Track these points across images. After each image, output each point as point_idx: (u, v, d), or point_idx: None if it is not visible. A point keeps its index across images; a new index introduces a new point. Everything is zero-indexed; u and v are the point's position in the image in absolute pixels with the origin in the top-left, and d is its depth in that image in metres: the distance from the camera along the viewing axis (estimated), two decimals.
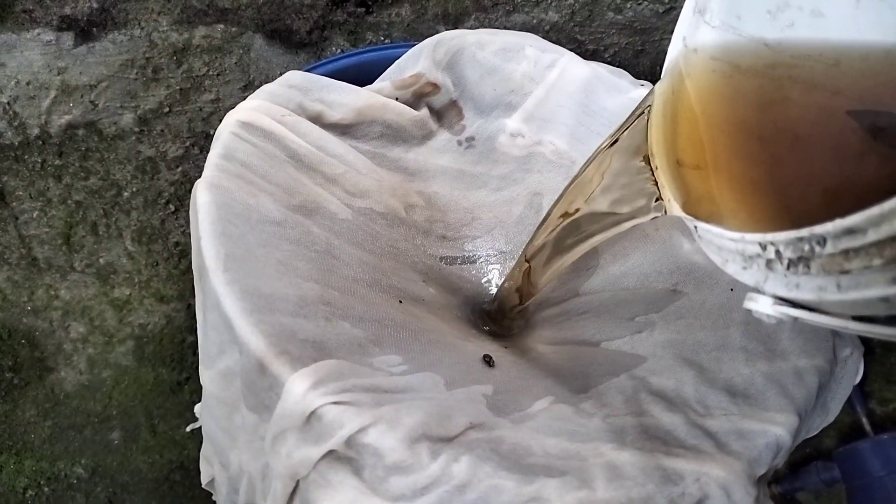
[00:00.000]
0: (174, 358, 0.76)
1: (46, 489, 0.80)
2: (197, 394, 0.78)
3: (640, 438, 0.35)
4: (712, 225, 0.32)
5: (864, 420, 0.70)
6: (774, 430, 0.35)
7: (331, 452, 0.32)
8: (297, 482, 0.35)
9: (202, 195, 0.40)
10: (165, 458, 0.80)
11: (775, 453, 0.35)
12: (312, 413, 0.33)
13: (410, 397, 0.35)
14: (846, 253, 0.23)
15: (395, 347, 0.41)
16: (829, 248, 0.24)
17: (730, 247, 0.30)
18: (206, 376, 0.41)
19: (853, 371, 0.41)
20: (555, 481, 0.31)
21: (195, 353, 0.76)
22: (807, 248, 0.25)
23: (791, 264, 0.26)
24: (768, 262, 0.27)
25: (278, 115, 0.46)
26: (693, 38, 0.42)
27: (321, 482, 0.33)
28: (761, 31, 0.42)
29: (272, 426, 0.34)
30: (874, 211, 0.21)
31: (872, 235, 0.22)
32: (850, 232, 0.23)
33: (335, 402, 0.32)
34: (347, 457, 0.32)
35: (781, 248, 0.27)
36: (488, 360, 0.44)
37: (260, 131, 0.45)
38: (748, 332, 0.41)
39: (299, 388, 0.33)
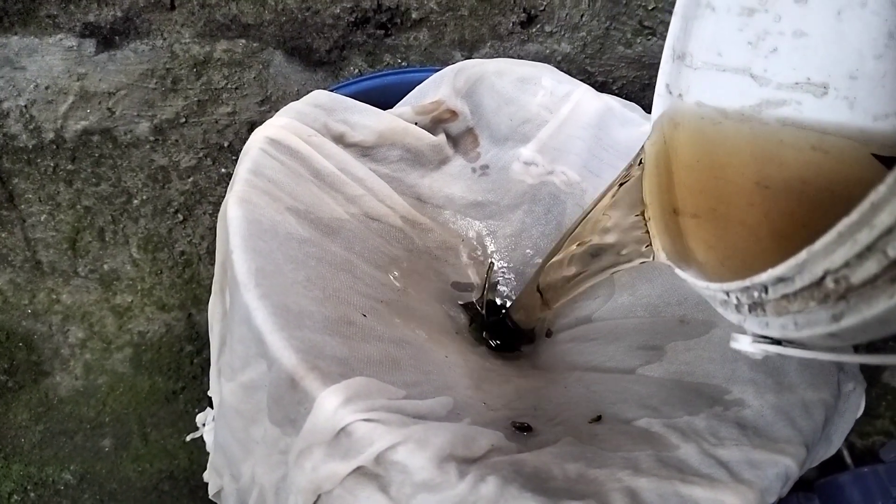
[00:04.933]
0: (171, 367, 0.76)
1: (32, 494, 0.79)
2: (192, 404, 0.77)
3: (656, 466, 0.36)
4: (690, 274, 0.34)
5: (845, 452, 0.71)
6: (784, 460, 0.36)
7: (358, 468, 0.33)
8: (319, 497, 0.35)
9: (233, 209, 0.41)
10: (155, 468, 0.79)
11: (784, 483, 0.36)
12: (342, 429, 0.33)
13: (434, 418, 0.36)
14: (787, 297, 0.26)
15: (414, 368, 0.42)
16: (772, 294, 0.26)
17: (706, 294, 0.32)
18: (226, 388, 0.41)
19: (856, 405, 0.43)
20: None
21: (193, 363, 0.76)
22: (756, 294, 0.27)
23: (751, 308, 0.29)
24: (736, 307, 0.30)
25: (305, 134, 0.47)
26: (677, 84, 0.43)
27: (347, 498, 0.34)
28: (745, 62, 0.43)
29: (299, 441, 0.35)
30: (792, 261, 0.24)
31: (799, 282, 0.24)
32: (781, 280, 0.25)
33: (366, 420, 0.33)
34: (375, 473, 0.33)
35: (738, 296, 0.29)
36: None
37: (287, 149, 0.46)
38: (756, 365, 0.42)
39: (330, 404, 0.33)
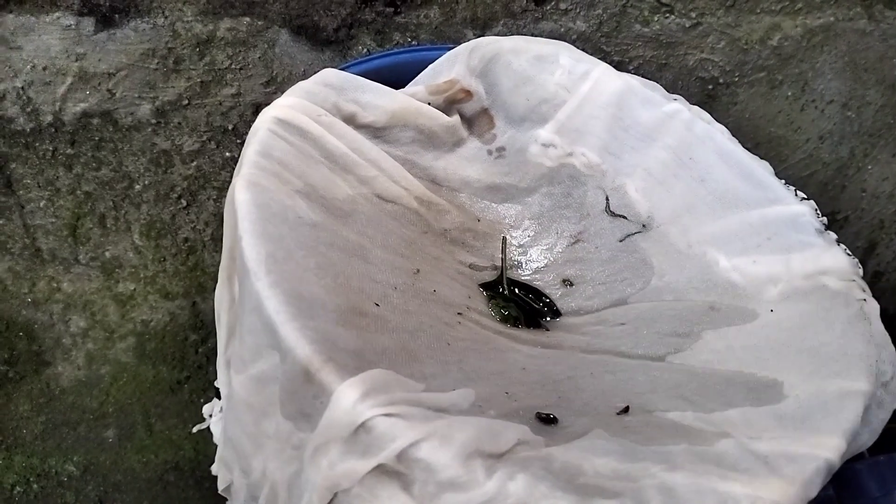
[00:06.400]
0: (175, 356, 0.74)
1: (35, 486, 0.78)
2: (197, 394, 0.76)
3: (691, 460, 0.34)
4: None
5: None
6: (824, 454, 0.34)
7: (379, 466, 0.31)
8: (335, 495, 0.34)
9: (241, 193, 0.39)
10: (160, 459, 0.78)
11: (824, 477, 0.34)
12: (362, 425, 0.31)
13: (456, 412, 0.34)
14: None
15: (432, 359, 0.40)
16: None
17: None
18: (236, 380, 0.40)
19: (894, 394, 0.41)
20: (611, 503, 0.30)
21: (197, 352, 0.74)
22: None
23: None
24: None
25: (315, 114, 0.45)
26: None
27: (367, 496, 0.32)
28: None
29: (316, 436, 0.33)
30: None
31: None
32: None
33: (386, 415, 0.31)
34: (397, 471, 0.31)
35: None
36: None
37: (297, 130, 0.44)
38: (792, 354, 0.41)
39: (349, 398, 0.32)
